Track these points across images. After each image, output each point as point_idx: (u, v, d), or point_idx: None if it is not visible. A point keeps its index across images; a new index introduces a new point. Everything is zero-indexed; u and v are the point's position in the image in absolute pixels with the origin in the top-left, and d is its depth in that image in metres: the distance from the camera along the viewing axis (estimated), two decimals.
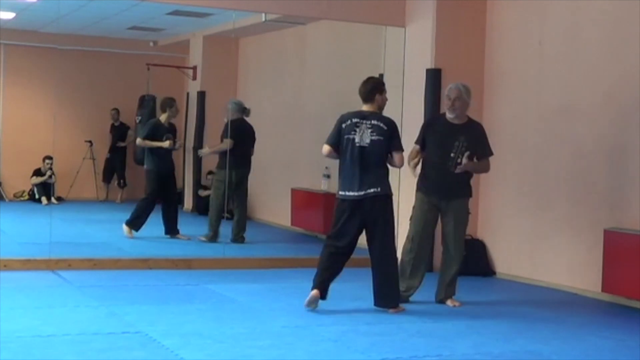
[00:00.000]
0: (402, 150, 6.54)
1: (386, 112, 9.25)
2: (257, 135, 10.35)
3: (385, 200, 6.46)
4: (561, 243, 8.01)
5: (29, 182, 13.96)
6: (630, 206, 7.30)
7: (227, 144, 9.92)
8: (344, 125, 6.54)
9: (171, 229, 10.16)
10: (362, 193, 6.41)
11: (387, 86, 9.46)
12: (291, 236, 11.41)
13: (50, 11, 11.81)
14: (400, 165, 6.60)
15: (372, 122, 6.47)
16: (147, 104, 12.96)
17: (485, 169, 7.08)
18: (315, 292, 6.39)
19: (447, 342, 5.55)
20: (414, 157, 6.98)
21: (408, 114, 9.07)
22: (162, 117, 10.22)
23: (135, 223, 9.95)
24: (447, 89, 7.00)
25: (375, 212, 6.44)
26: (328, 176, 11.13)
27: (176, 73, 14.09)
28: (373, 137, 6.43)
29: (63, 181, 13.67)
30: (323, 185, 11.14)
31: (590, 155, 7.77)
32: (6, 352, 4.80)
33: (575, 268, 7.81)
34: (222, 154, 10.09)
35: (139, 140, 10.07)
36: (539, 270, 8.21)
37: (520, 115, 8.59)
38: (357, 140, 6.45)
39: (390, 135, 6.47)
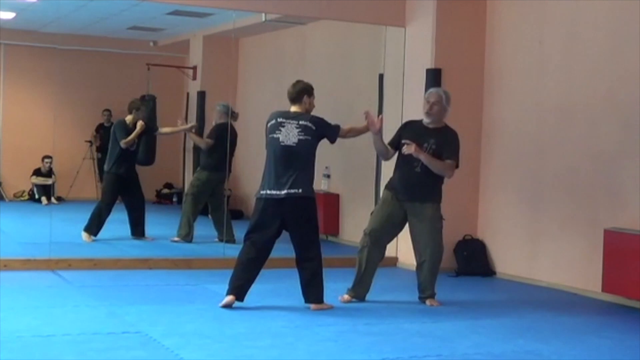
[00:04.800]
0: (339, 129, 6.59)
1: (387, 113, 9.34)
2: (256, 134, 10.34)
3: (306, 201, 6.38)
4: (561, 243, 8.01)
5: (29, 182, 13.95)
6: (630, 206, 7.30)
7: (207, 143, 10.01)
8: (269, 124, 6.51)
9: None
10: (285, 192, 6.30)
11: (387, 86, 9.57)
12: None
13: (50, 11, 11.81)
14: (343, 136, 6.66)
15: (301, 122, 6.40)
16: (147, 104, 12.92)
17: (444, 168, 6.70)
18: (231, 297, 6.32)
19: (447, 342, 5.55)
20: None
21: (408, 114, 9.05)
22: (128, 118, 10.02)
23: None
24: (427, 92, 6.91)
25: (296, 213, 6.36)
26: (328, 176, 11.14)
27: (176, 73, 14.07)
28: (301, 137, 6.36)
29: (63, 181, 13.66)
30: (323, 185, 11.14)
31: (590, 155, 7.77)
32: (6, 352, 4.80)
33: (575, 268, 7.81)
34: (205, 156, 10.08)
35: (122, 144, 9.74)
36: (539, 270, 8.22)
37: (520, 115, 8.59)
38: (282, 139, 6.38)
39: (320, 133, 6.46)
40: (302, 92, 6.55)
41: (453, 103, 8.78)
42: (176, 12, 11.66)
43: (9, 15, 12.31)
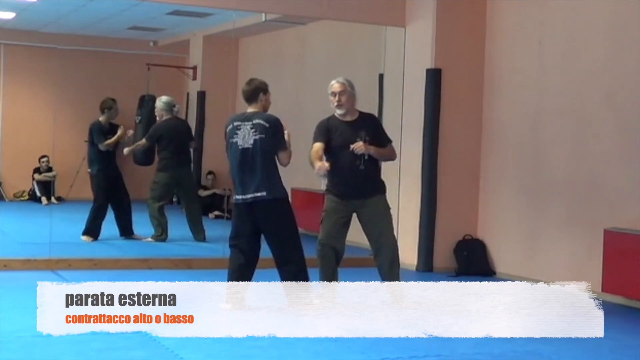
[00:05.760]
0: (287, 149, 6.37)
1: (387, 113, 9.34)
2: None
3: (273, 204, 6.29)
4: (561, 243, 8.01)
5: (29, 182, 13.96)
6: (630, 206, 7.30)
7: (141, 143, 10.05)
8: (227, 129, 6.41)
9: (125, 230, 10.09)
10: (251, 196, 6.24)
11: (387, 86, 9.57)
12: None
13: (50, 11, 11.81)
14: (287, 163, 6.42)
15: (254, 121, 6.30)
16: (147, 104, 12.94)
17: (390, 153, 6.79)
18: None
19: (447, 342, 5.55)
20: (319, 156, 6.63)
21: (408, 114, 9.07)
22: (102, 119, 9.97)
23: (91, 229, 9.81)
24: (329, 86, 6.72)
25: (265, 216, 6.30)
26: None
27: (176, 73, 14.08)
28: (255, 137, 6.27)
29: (63, 181, 13.67)
30: (323, 185, 11.07)
31: (590, 155, 7.77)
32: (6, 352, 4.80)
33: (575, 268, 7.81)
34: (160, 157, 10.04)
35: (102, 147, 9.73)
36: (538, 270, 8.21)
37: (520, 115, 8.59)
38: (240, 143, 6.29)
39: (273, 133, 6.29)
40: (257, 90, 6.47)
41: (453, 103, 8.87)
42: (176, 12, 11.66)
43: (9, 15, 12.31)
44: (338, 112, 6.70)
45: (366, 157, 6.58)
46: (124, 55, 14.24)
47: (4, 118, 13.96)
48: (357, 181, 6.64)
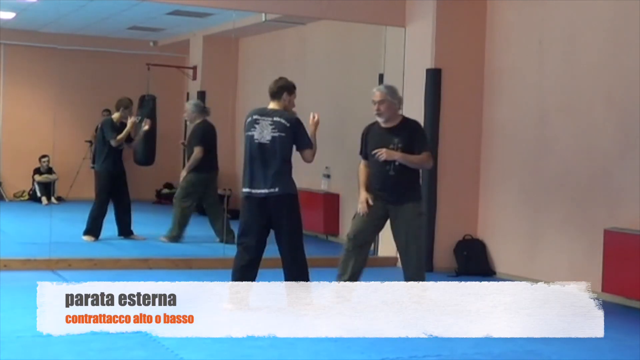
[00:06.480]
0: (312, 147, 6.42)
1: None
2: None
3: (286, 199, 6.36)
4: (561, 243, 8.01)
5: (29, 182, 13.95)
6: (630, 206, 7.30)
7: (199, 152, 9.83)
8: (246, 122, 6.45)
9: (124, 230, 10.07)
10: (265, 191, 6.31)
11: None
12: None
13: (50, 11, 11.81)
14: (311, 160, 6.47)
15: (274, 118, 6.35)
16: (147, 104, 12.93)
17: (421, 161, 6.69)
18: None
19: (447, 342, 5.55)
20: (364, 180, 6.77)
21: (408, 114, 9.02)
22: (115, 116, 10.06)
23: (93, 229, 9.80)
24: (372, 92, 6.77)
25: (277, 212, 6.35)
26: (328, 176, 11.13)
27: (176, 73, 14.08)
28: (274, 134, 6.31)
29: (63, 181, 13.68)
30: (323, 185, 11.14)
31: (590, 155, 7.77)
32: (6, 352, 4.80)
33: (575, 268, 7.81)
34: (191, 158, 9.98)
35: (114, 142, 9.76)
36: (538, 270, 8.22)
37: (520, 115, 8.59)
38: (256, 137, 6.34)
39: (294, 133, 6.35)
40: (282, 88, 6.51)
41: (453, 103, 8.87)
42: (176, 12, 11.67)
43: (9, 15, 12.31)
44: (378, 119, 6.76)
45: (396, 164, 6.58)
46: (124, 55, 14.24)
47: (4, 118, 13.96)
48: (387, 187, 6.67)
